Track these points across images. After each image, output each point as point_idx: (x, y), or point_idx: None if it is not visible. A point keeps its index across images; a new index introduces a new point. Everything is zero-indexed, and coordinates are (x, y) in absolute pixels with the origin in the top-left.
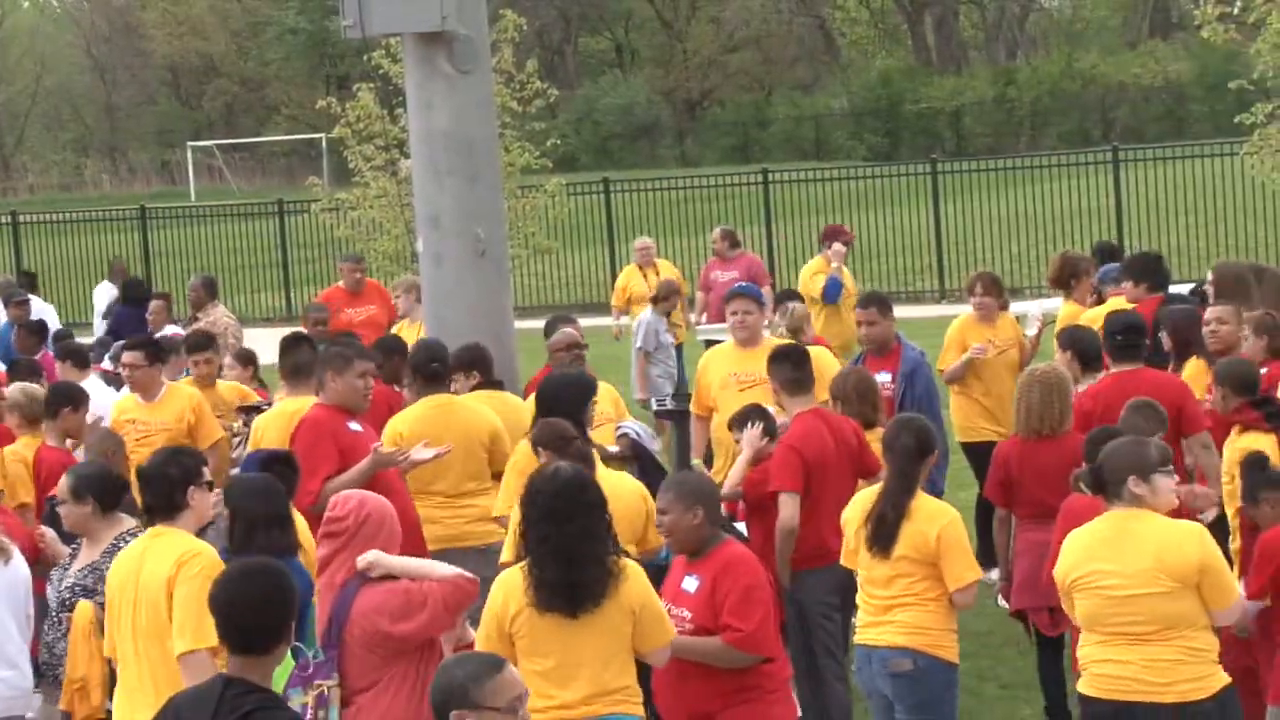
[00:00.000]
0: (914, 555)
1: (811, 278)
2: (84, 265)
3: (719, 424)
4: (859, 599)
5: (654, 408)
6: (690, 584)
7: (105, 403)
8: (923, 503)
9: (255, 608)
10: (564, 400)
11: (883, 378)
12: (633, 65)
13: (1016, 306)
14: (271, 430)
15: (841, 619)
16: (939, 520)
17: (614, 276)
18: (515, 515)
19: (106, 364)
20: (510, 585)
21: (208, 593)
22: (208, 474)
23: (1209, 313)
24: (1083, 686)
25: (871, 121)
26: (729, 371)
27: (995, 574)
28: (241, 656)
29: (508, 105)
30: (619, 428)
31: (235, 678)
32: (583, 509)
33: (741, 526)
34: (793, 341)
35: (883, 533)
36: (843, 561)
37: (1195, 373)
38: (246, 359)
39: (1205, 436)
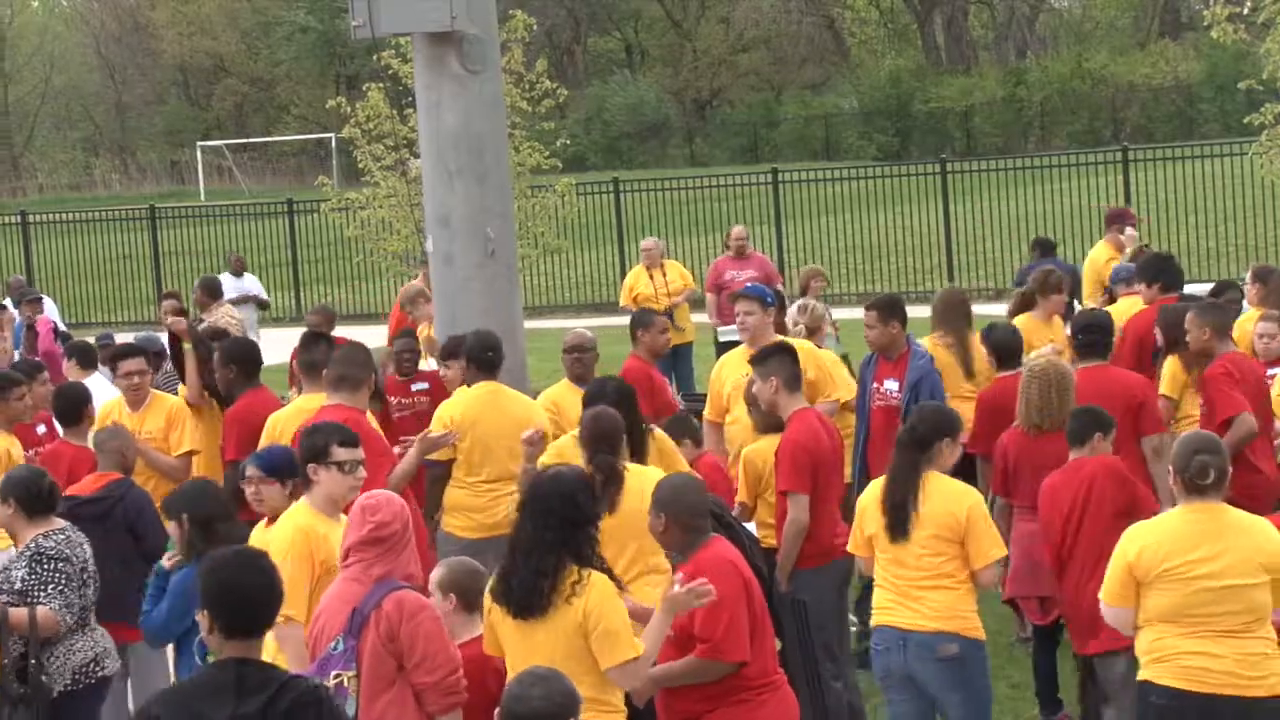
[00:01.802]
0: (945, 535)
1: (1106, 264)
2: (93, 265)
3: (732, 427)
4: (878, 579)
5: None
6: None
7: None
8: (944, 484)
9: (253, 594)
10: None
11: (890, 385)
12: (642, 65)
13: None
14: (291, 427)
15: (841, 618)
16: (965, 499)
17: (624, 276)
18: None
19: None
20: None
21: (205, 582)
22: (340, 453)
23: (1260, 326)
24: (1166, 678)
25: (881, 121)
26: (742, 374)
27: None
28: (240, 640)
29: (517, 105)
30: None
31: (245, 659)
32: (539, 516)
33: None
34: (783, 339)
35: (897, 520)
36: (851, 549)
37: (1172, 371)
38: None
39: (1158, 440)
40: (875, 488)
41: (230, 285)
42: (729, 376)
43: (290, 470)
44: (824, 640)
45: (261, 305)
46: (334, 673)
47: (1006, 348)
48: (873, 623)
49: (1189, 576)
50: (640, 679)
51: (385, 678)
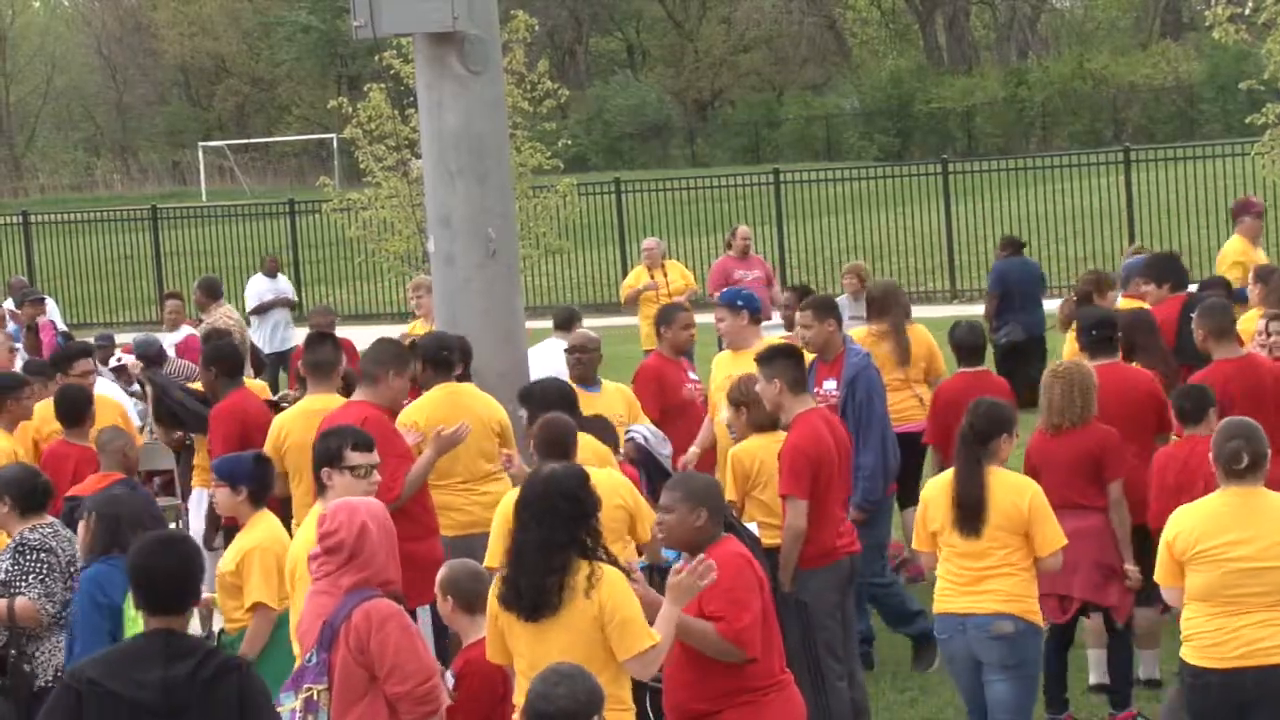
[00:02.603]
0: (1008, 526)
1: (1243, 253)
2: (95, 265)
3: (720, 426)
4: (941, 571)
5: None
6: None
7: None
8: (1005, 477)
9: (176, 573)
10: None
11: (829, 385)
12: (644, 65)
13: None
14: (297, 429)
15: (843, 618)
16: (1026, 491)
17: (625, 276)
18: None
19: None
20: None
21: (130, 565)
22: (353, 457)
23: (1273, 325)
24: (1191, 657)
25: (882, 121)
26: (724, 374)
27: None
28: (162, 616)
29: (519, 105)
30: (628, 431)
31: (172, 630)
32: (545, 516)
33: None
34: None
35: (969, 515)
36: (916, 546)
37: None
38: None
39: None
40: (939, 484)
41: (266, 286)
42: (715, 377)
43: (245, 477)
44: (826, 640)
45: (290, 305)
46: (305, 686)
47: (968, 345)
48: (935, 610)
49: (1221, 559)
50: (656, 667)
51: (356, 690)
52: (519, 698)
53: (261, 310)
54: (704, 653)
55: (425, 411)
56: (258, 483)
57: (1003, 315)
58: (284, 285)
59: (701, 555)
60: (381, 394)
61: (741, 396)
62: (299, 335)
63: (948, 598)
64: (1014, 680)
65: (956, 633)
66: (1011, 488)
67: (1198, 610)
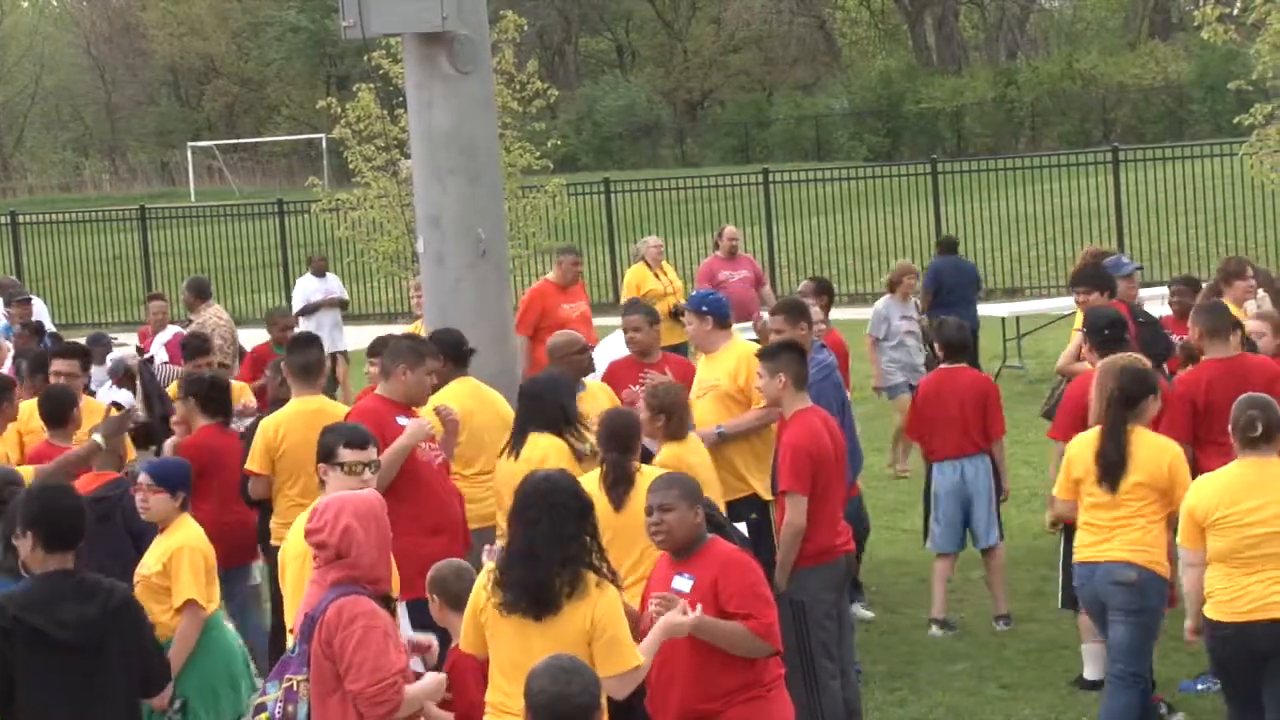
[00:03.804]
0: (1150, 483)
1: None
2: (83, 266)
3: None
4: (1080, 521)
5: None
6: (683, 584)
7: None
8: (1148, 438)
9: (75, 509)
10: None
11: None
12: (633, 65)
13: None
14: (295, 429)
15: (839, 617)
16: (1168, 452)
17: (615, 277)
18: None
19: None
20: (488, 577)
21: (27, 509)
22: (345, 455)
23: (1253, 325)
24: (1211, 613)
25: (872, 122)
26: (699, 377)
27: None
28: (59, 553)
29: (508, 105)
30: None
31: (70, 570)
32: (555, 511)
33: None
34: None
35: (1111, 472)
36: (1056, 493)
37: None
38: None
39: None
40: (1086, 440)
41: (315, 286)
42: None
43: (181, 483)
44: (822, 639)
45: (342, 305)
46: (287, 676)
47: (956, 342)
48: (1074, 560)
49: (1238, 524)
50: (632, 689)
51: (328, 682)
52: (493, 695)
53: (309, 311)
54: (732, 651)
55: (456, 403)
56: (189, 489)
57: (935, 312)
58: (334, 284)
59: (685, 602)
60: (393, 388)
61: (662, 405)
62: (350, 337)
63: (1084, 547)
64: (1133, 625)
65: (1087, 579)
66: (1155, 448)
67: (1217, 570)
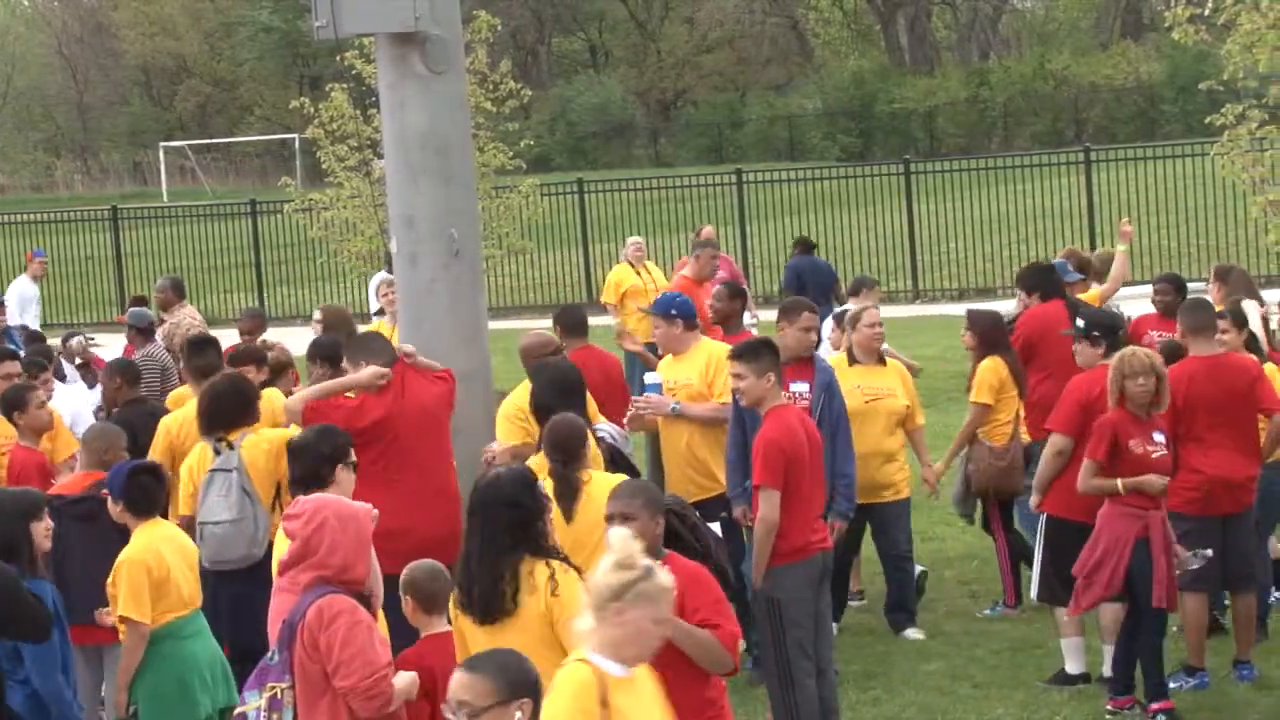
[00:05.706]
0: None
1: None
2: (55, 266)
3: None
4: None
5: None
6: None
7: (80, 401)
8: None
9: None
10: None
11: (799, 387)
12: (606, 66)
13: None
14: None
15: (816, 615)
16: None
17: (588, 277)
18: None
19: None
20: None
21: None
22: (355, 455)
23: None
24: None
25: (845, 122)
26: (668, 379)
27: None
28: None
29: (482, 106)
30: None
31: None
32: (488, 524)
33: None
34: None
35: None
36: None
37: (990, 367)
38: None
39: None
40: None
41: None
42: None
43: (119, 489)
44: (798, 637)
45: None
46: (269, 684)
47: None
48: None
49: None
50: None
51: (317, 686)
52: None
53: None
54: (697, 662)
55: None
56: (131, 494)
57: None
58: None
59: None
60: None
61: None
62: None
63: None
64: None
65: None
66: None
67: None
